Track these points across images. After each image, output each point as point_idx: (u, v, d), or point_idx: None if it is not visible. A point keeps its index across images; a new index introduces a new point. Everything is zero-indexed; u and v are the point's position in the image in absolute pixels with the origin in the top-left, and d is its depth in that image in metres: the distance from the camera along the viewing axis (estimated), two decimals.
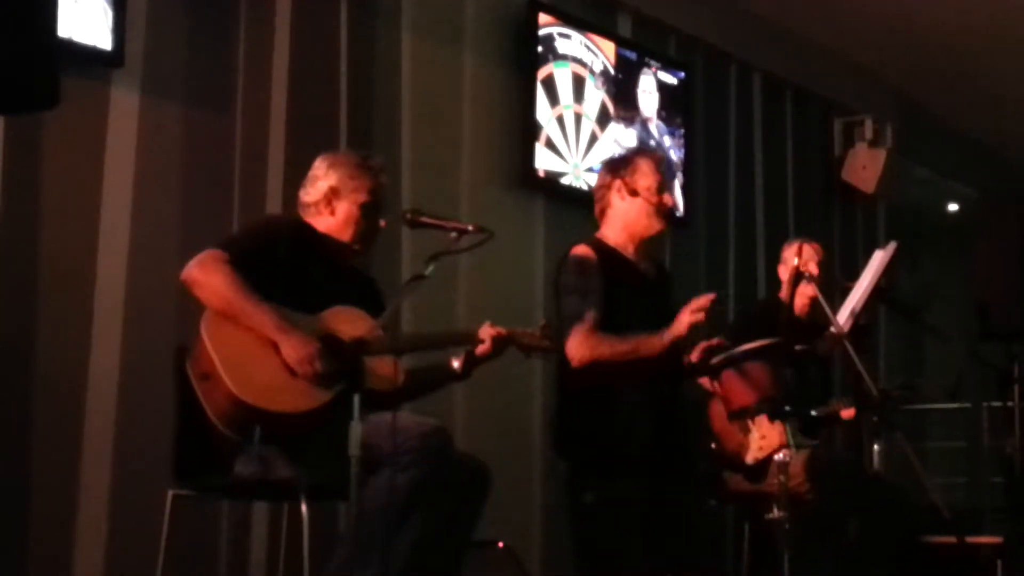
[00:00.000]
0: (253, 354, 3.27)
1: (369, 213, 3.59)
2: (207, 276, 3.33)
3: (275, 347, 3.28)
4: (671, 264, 6.07)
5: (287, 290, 3.40)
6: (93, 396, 4.04)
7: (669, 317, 4.18)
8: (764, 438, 4.41)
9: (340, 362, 3.27)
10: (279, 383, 3.25)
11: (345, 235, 3.59)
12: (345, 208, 3.57)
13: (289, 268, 3.46)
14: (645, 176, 4.10)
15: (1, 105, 2.80)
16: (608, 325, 3.94)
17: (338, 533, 4.30)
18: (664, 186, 4.13)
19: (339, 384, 3.27)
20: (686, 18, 6.51)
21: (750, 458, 4.49)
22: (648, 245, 4.19)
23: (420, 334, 3.78)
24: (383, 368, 3.30)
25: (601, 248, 4.08)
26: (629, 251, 4.11)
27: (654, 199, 4.09)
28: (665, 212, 4.12)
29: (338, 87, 4.75)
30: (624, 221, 4.11)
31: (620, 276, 4.03)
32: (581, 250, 4.05)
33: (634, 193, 4.09)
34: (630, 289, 4.04)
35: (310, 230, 3.59)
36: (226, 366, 3.22)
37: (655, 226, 4.10)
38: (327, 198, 3.57)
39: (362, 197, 3.57)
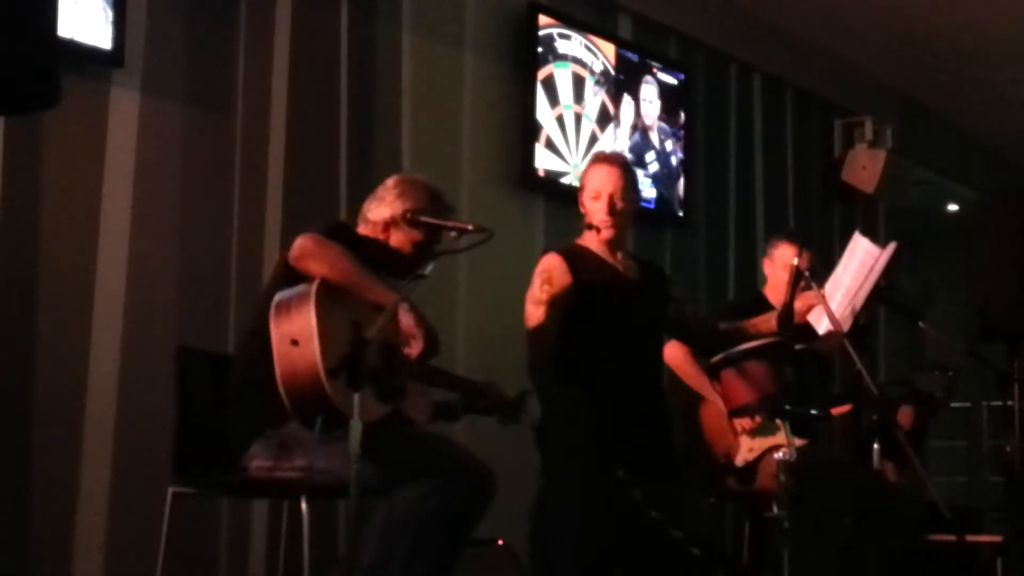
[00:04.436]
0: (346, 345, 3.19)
1: (421, 250, 3.59)
2: (322, 249, 3.29)
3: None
4: (671, 264, 6.08)
5: None
6: (93, 396, 4.04)
7: (655, 317, 4.16)
8: (754, 440, 4.44)
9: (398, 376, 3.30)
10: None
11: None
12: (399, 240, 3.59)
13: None
14: (585, 180, 4.10)
15: (1, 105, 2.80)
16: (579, 327, 3.93)
17: (338, 532, 4.32)
18: (597, 192, 4.03)
19: (392, 400, 3.28)
20: (686, 20, 6.51)
21: (739, 460, 4.50)
22: (622, 247, 4.13)
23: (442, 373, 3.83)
24: (418, 402, 3.39)
25: (575, 253, 4.05)
26: (605, 253, 4.09)
27: (583, 203, 4.09)
28: (594, 220, 4.04)
29: (338, 87, 4.75)
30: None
31: (593, 279, 4.00)
32: (547, 259, 4.03)
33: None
34: (604, 291, 4.01)
35: (356, 235, 3.60)
36: (324, 348, 3.13)
37: (603, 232, 4.04)
38: (385, 224, 3.59)
39: (417, 236, 3.58)
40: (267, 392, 3.18)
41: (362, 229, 3.65)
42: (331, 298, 3.23)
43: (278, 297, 3.26)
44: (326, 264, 3.28)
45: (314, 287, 3.21)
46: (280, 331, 3.20)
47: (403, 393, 3.35)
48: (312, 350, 3.14)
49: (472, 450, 3.45)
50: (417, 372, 3.40)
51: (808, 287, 4.09)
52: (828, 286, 4.32)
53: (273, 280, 3.47)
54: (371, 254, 3.53)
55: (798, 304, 4.05)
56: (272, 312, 3.23)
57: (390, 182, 3.66)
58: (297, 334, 3.17)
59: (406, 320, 3.33)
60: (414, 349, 3.33)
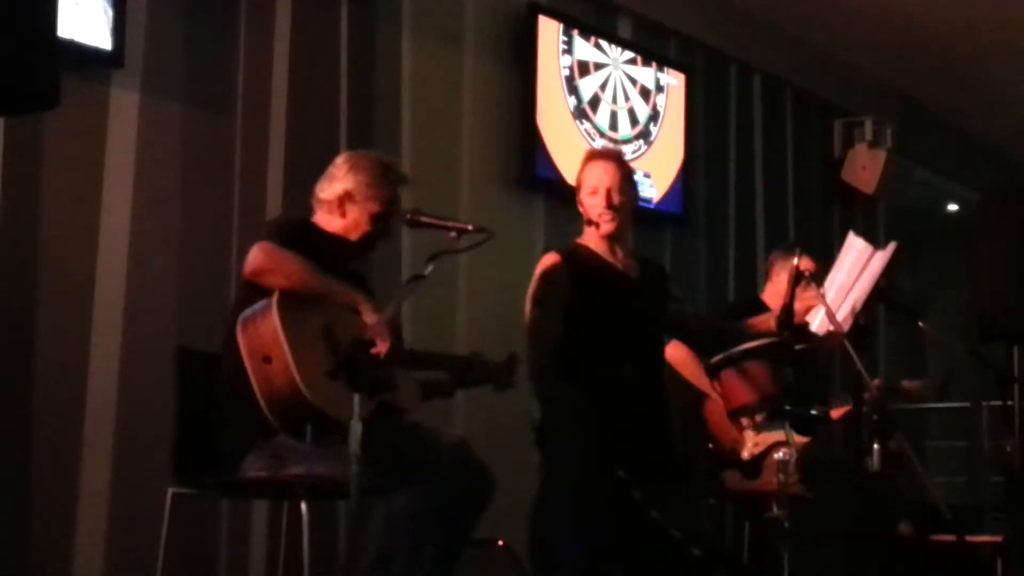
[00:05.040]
0: (319, 350, 3.19)
1: (378, 222, 3.58)
2: (278, 262, 3.27)
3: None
4: (671, 264, 6.08)
5: None
6: (93, 396, 4.04)
7: (656, 315, 4.17)
8: (759, 435, 4.43)
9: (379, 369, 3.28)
10: (339, 386, 3.13)
11: (352, 236, 3.58)
12: (355, 214, 3.56)
13: None
14: (582, 177, 4.09)
15: (1, 105, 2.81)
16: (580, 326, 3.93)
17: (338, 532, 4.32)
18: (594, 187, 4.03)
19: (379, 393, 3.26)
20: (686, 20, 6.51)
21: (746, 454, 4.50)
22: (622, 244, 4.13)
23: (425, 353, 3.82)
24: (408, 390, 3.40)
25: (574, 252, 4.05)
26: (605, 251, 4.09)
27: (581, 202, 4.08)
28: (593, 216, 4.04)
29: (338, 87, 4.75)
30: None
31: (593, 278, 4.00)
32: (547, 259, 4.03)
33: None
34: (604, 290, 4.00)
35: (315, 229, 3.59)
36: (296, 358, 3.13)
37: (603, 226, 4.03)
38: (340, 200, 3.56)
39: (374, 207, 3.56)
40: (252, 405, 3.18)
41: (317, 213, 3.61)
42: (295, 306, 3.21)
43: (242, 316, 3.25)
44: (281, 275, 3.25)
45: (274, 300, 3.19)
46: (250, 349, 3.19)
47: (391, 385, 3.32)
48: (286, 364, 3.12)
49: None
50: (395, 360, 3.35)
51: (807, 289, 4.09)
52: (825, 287, 4.33)
53: (239, 296, 3.44)
54: (329, 245, 3.51)
55: (798, 305, 4.05)
56: (239, 332, 3.23)
57: (339, 160, 3.64)
58: (267, 350, 3.16)
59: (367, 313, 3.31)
60: (381, 344, 3.28)
